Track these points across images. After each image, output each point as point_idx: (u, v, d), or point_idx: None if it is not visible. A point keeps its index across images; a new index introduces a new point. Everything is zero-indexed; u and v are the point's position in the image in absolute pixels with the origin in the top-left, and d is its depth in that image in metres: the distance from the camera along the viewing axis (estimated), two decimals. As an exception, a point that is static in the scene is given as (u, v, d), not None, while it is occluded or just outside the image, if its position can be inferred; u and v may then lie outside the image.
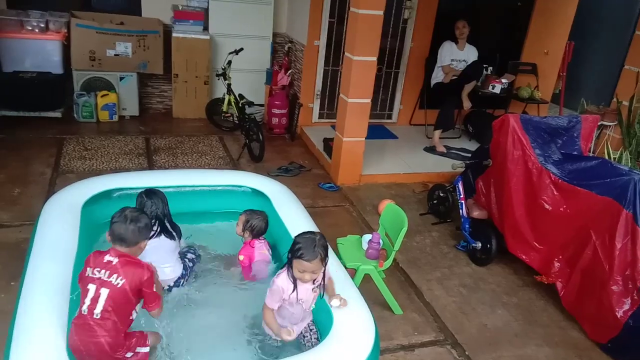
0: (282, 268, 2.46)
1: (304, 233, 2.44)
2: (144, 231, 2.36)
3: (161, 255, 2.85)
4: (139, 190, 3.31)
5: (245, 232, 3.11)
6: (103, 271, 2.24)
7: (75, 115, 5.57)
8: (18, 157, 4.64)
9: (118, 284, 2.21)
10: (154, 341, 2.47)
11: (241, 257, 3.11)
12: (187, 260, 3.09)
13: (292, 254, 2.34)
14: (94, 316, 2.19)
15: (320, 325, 2.65)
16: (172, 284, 2.96)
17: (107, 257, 2.27)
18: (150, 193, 2.97)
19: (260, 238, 3.14)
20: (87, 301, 2.21)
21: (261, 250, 3.10)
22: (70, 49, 5.37)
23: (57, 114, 5.45)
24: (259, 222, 3.10)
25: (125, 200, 3.43)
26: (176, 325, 2.69)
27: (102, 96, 5.57)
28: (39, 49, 5.28)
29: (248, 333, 2.70)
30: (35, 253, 2.72)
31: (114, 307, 2.21)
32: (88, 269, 2.27)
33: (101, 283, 2.21)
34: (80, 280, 2.32)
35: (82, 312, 2.22)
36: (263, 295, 2.51)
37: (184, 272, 3.02)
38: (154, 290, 2.33)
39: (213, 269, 3.21)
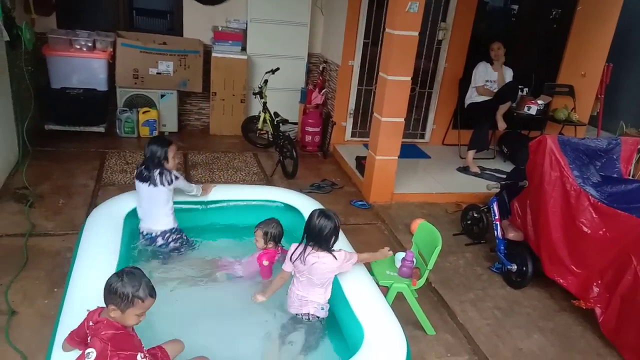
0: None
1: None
2: (107, 296, 2.04)
3: (147, 203, 3.34)
4: (177, 205, 3.46)
5: (268, 244, 3.26)
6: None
7: (117, 130, 5.79)
8: (63, 169, 4.84)
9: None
10: (177, 351, 2.37)
11: (266, 262, 3.22)
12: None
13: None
14: None
15: (350, 342, 2.66)
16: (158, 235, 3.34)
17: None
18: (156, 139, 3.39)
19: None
20: None
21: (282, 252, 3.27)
22: (115, 67, 5.61)
23: (100, 129, 5.68)
24: (276, 229, 3.28)
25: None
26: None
27: (143, 112, 5.77)
28: (86, 66, 5.51)
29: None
30: (79, 261, 2.82)
31: None
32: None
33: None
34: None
35: None
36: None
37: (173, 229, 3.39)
38: (85, 350, 1.99)
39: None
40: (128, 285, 2.02)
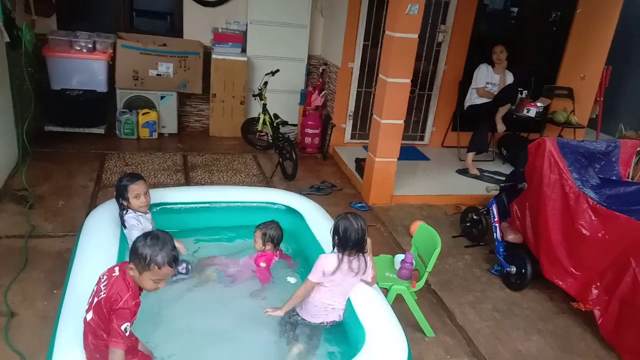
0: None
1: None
2: (130, 254, 2.08)
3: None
4: (177, 205, 3.46)
5: (266, 245, 3.22)
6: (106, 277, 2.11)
7: (117, 131, 5.79)
8: (62, 170, 4.83)
9: (101, 295, 2.03)
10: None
11: (263, 264, 3.21)
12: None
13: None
14: (88, 319, 2.09)
15: (352, 344, 2.66)
16: None
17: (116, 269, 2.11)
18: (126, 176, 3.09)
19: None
20: (86, 305, 2.12)
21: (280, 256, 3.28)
22: (115, 69, 5.61)
23: (100, 130, 5.68)
24: (275, 230, 3.23)
25: (163, 213, 3.56)
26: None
27: (143, 114, 5.78)
28: (85, 68, 5.51)
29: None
30: (77, 263, 2.80)
31: (99, 319, 2.04)
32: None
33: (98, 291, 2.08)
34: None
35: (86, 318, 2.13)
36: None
37: None
38: (120, 327, 1.97)
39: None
40: (148, 247, 2.00)
